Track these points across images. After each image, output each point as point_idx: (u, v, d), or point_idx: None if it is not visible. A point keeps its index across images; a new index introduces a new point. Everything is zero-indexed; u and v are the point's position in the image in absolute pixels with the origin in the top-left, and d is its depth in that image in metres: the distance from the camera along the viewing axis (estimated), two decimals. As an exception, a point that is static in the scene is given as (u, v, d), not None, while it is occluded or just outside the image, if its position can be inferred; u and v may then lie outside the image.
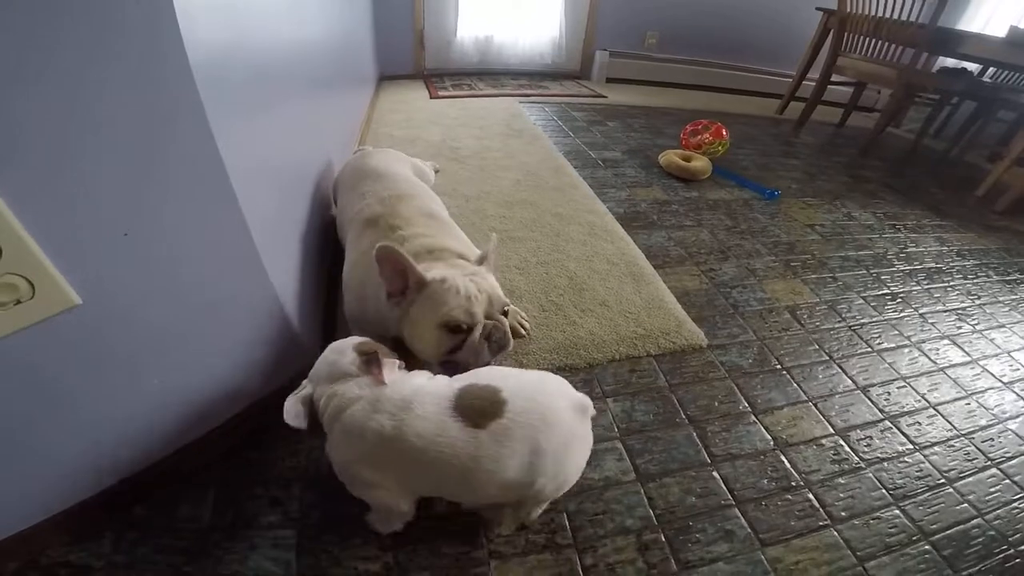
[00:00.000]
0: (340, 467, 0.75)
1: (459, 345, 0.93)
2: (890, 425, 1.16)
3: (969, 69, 3.21)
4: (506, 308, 0.99)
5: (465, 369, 0.84)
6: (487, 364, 0.92)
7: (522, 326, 1.27)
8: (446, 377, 0.80)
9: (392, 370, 0.77)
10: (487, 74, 4.21)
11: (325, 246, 1.37)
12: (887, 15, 2.84)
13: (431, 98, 3.43)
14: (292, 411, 0.74)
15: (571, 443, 0.75)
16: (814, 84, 3.48)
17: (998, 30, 3.58)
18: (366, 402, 0.73)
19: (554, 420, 0.73)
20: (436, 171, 2.00)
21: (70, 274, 0.61)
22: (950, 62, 3.26)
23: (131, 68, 0.56)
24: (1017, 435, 1.17)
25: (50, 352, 0.64)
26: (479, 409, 0.72)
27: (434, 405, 0.72)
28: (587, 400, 0.78)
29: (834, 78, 3.39)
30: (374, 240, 1.05)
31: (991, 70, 3.22)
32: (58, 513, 0.76)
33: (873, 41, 3.01)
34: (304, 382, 0.80)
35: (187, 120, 0.63)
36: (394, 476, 0.73)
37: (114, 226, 0.63)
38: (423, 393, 0.74)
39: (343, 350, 0.80)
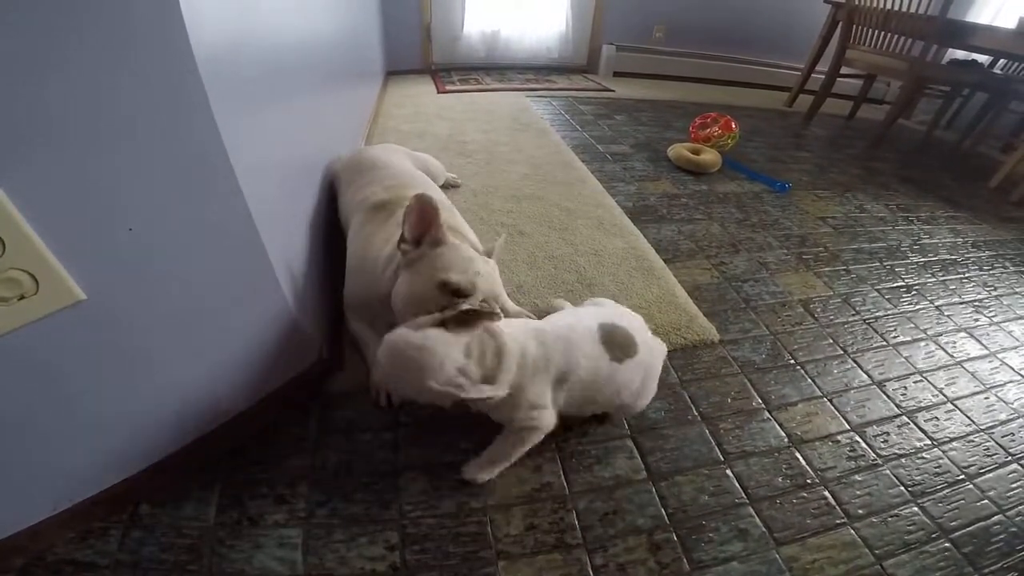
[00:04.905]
0: None
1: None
2: (907, 421, 1.14)
3: (979, 61, 3.17)
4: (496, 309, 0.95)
5: None
6: None
7: None
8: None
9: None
10: (494, 69, 4.19)
11: (332, 241, 1.36)
12: (896, 7, 2.80)
13: (438, 93, 3.42)
14: None
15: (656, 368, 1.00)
16: (823, 77, 3.45)
17: (1008, 22, 3.54)
18: None
19: (657, 352, 1.00)
20: (455, 184, 1.98)
21: (74, 269, 0.60)
22: (960, 54, 3.21)
23: (136, 63, 0.55)
24: (1038, 430, 1.15)
25: (54, 348, 0.63)
26: (623, 348, 0.91)
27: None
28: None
29: (844, 70, 3.36)
30: (381, 223, 1.11)
31: (1002, 61, 3.18)
32: (64, 510, 0.75)
33: (882, 33, 2.97)
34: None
35: (193, 116, 0.62)
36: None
37: (119, 221, 0.62)
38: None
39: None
